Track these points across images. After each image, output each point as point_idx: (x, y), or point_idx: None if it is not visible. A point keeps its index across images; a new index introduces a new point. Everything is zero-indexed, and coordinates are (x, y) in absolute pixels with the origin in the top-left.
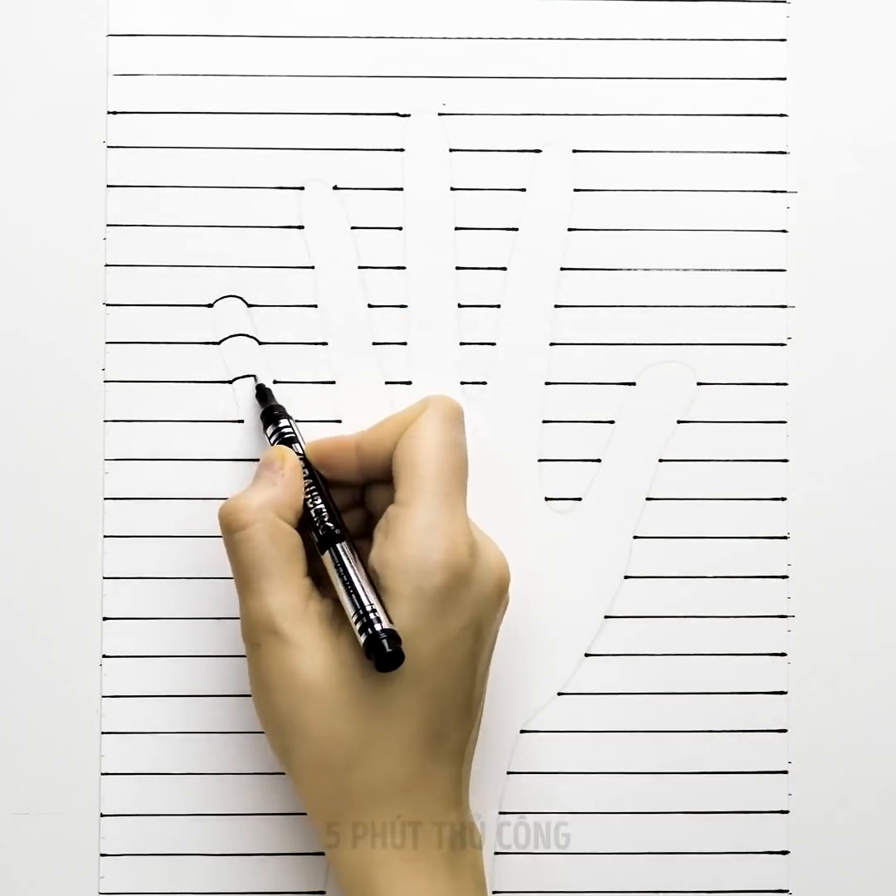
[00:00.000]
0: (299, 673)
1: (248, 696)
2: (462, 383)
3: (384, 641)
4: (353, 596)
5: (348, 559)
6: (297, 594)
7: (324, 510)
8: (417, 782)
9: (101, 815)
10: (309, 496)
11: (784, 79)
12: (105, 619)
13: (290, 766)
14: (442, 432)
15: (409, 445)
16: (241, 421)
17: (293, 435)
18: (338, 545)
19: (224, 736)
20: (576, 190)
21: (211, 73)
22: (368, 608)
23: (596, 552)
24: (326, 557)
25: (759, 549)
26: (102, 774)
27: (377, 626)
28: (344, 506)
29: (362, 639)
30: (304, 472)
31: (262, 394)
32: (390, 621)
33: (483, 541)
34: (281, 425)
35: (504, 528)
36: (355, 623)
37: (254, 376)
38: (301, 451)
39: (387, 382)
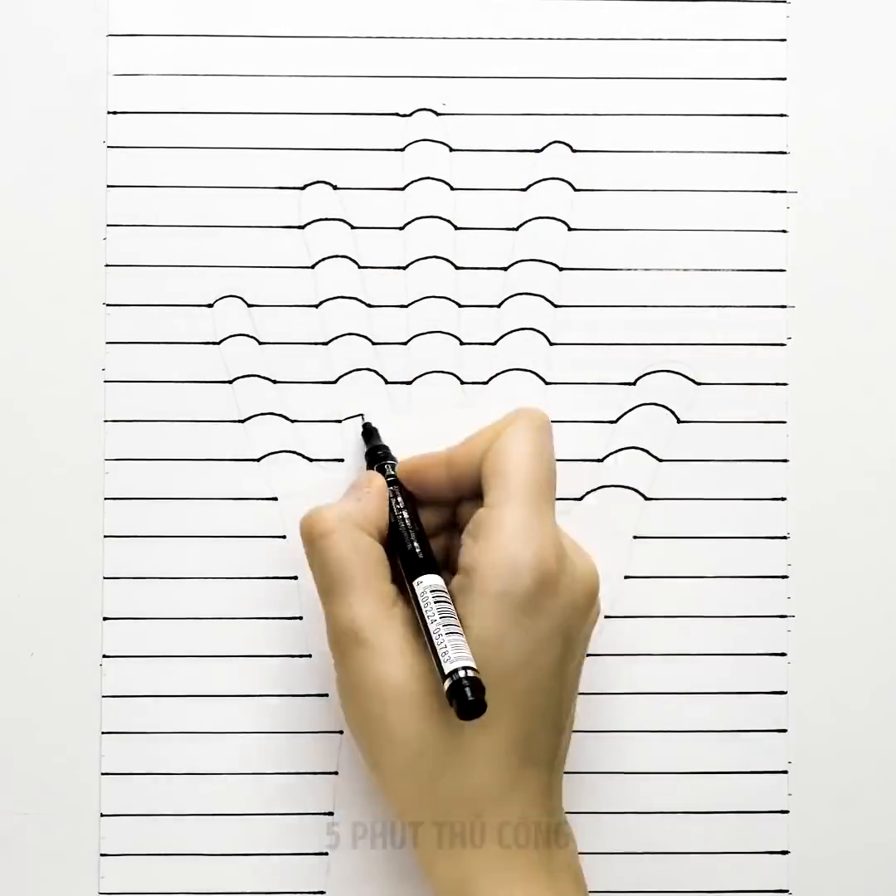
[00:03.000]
0: (387, 680)
1: (248, 696)
2: (462, 383)
3: (467, 689)
4: (438, 637)
5: (433, 594)
6: (381, 602)
7: (413, 534)
8: (508, 789)
9: (101, 815)
10: (400, 519)
11: (784, 79)
12: (105, 619)
13: (379, 772)
14: (532, 441)
15: (498, 453)
16: (242, 421)
17: (393, 476)
18: (424, 577)
19: (224, 736)
20: (576, 190)
21: (211, 73)
22: (453, 653)
23: (596, 552)
24: (416, 586)
25: (759, 549)
26: (102, 774)
27: (461, 673)
28: (436, 527)
29: (445, 685)
30: (397, 501)
31: (368, 433)
32: (475, 667)
33: (573, 549)
34: (384, 464)
35: None
36: (438, 668)
37: (361, 415)
38: (393, 475)
39: (387, 382)
